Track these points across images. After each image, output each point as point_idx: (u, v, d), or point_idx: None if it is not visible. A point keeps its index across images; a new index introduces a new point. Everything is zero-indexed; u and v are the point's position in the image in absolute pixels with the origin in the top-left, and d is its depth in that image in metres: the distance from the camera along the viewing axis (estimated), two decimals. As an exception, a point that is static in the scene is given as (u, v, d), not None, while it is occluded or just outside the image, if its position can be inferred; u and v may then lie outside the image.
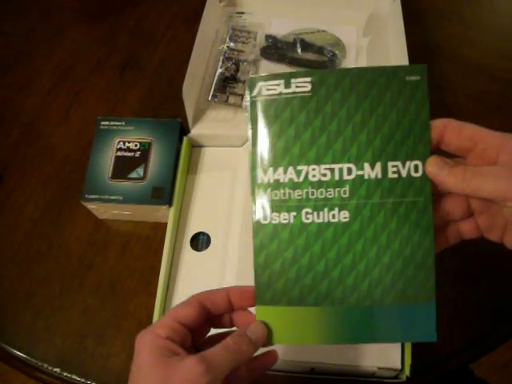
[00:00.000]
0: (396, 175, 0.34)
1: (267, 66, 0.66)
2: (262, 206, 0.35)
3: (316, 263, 0.34)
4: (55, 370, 0.51)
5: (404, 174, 0.34)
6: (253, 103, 0.35)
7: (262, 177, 0.35)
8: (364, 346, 0.47)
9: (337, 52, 0.66)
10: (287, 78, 0.35)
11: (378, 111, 0.34)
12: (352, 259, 0.34)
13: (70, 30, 0.77)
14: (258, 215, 0.35)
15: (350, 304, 0.34)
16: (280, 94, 0.35)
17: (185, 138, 0.58)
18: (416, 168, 0.34)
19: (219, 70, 0.64)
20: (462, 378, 0.65)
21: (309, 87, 0.35)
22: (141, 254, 0.57)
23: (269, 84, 0.35)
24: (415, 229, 0.34)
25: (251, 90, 0.35)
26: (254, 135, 0.35)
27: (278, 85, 0.35)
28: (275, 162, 0.35)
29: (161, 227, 0.57)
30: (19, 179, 0.63)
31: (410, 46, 0.58)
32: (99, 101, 0.69)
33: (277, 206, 0.35)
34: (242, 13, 0.71)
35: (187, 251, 0.54)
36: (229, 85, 0.63)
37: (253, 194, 0.35)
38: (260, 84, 0.35)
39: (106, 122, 0.59)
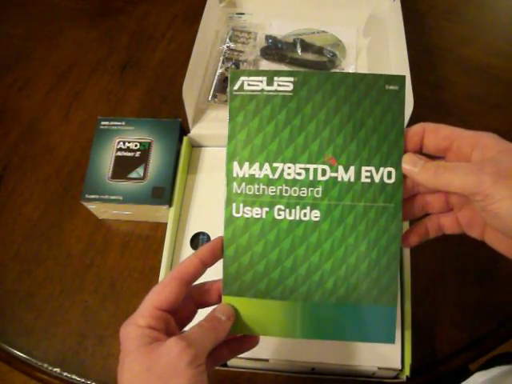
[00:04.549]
0: (369, 180, 0.35)
1: (267, 67, 0.66)
2: (235, 200, 0.36)
3: (285, 259, 0.36)
4: (55, 370, 0.51)
5: (377, 179, 0.35)
6: (234, 97, 0.36)
7: (238, 170, 0.36)
8: (364, 345, 0.47)
9: (337, 52, 0.66)
10: (270, 76, 0.35)
11: (355, 116, 0.35)
12: (319, 257, 0.35)
13: (70, 30, 0.77)
14: (231, 208, 0.36)
15: (315, 300, 0.36)
16: (262, 90, 0.35)
17: (185, 138, 0.58)
18: (389, 174, 0.35)
19: (219, 71, 0.64)
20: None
21: (291, 87, 0.35)
22: (141, 254, 0.57)
23: (251, 80, 0.35)
24: (383, 233, 0.35)
25: (233, 83, 0.36)
26: (232, 128, 0.36)
27: (260, 81, 0.35)
28: (252, 157, 0.36)
29: (161, 227, 0.57)
30: (19, 179, 0.63)
31: (409, 45, 0.58)
32: (99, 101, 0.69)
33: (250, 201, 0.36)
34: (242, 13, 0.72)
35: (187, 251, 0.54)
36: (229, 85, 0.63)
37: (227, 186, 0.36)
38: (242, 78, 0.36)
39: (106, 122, 0.59)
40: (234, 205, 0.36)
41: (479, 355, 0.51)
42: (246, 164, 0.36)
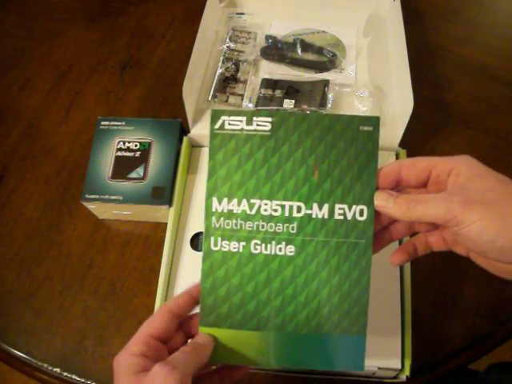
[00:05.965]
0: (342, 217, 0.36)
1: (267, 67, 0.66)
2: (213, 233, 0.37)
3: (260, 291, 0.37)
4: (55, 370, 0.51)
5: (349, 216, 0.36)
6: (215, 136, 0.37)
7: (217, 206, 0.37)
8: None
9: (337, 52, 0.66)
10: (250, 116, 0.36)
11: (330, 156, 0.36)
12: (293, 290, 0.37)
13: (70, 30, 0.77)
14: (209, 241, 0.37)
15: (288, 331, 0.37)
16: (242, 129, 0.37)
17: (185, 138, 0.58)
18: (361, 212, 0.36)
19: (219, 71, 0.65)
20: (463, 378, 0.65)
21: (269, 127, 0.36)
22: (141, 254, 0.57)
23: (232, 119, 0.37)
24: (354, 268, 0.36)
25: (214, 122, 0.37)
26: (212, 166, 0.37)
27: (240, 121, 0.37)
28: (231, 193, 0.37)
29: (161, 227, 0.57)
30: (19, 179, 0.63)
31: (409, 45, 0.58)
32: (99, 101, 0.69)
33: (228, 235, 0.37)
34: (242, 13, 0.72)
35: (187, 251, 0.54)
36: (229, 85, 0.63)
37: (206, 220, 0.37)
38: (223, 118, 0.37)
39: (106, 122, 0.59)
40: (212, 238, 0.37)
41: (479, 355, 0.51)
42: (225, 200, 0.37)
